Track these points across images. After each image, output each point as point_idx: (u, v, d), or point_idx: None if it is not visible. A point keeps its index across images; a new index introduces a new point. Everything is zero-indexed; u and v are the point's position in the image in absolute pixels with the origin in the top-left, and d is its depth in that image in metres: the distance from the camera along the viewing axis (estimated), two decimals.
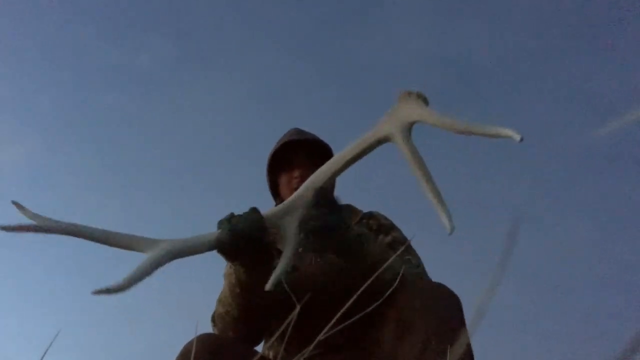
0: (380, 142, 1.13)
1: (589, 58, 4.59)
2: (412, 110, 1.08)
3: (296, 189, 1.52)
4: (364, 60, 5.17)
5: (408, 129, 1.08)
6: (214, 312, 1.38)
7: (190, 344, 1.20)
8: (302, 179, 1.51)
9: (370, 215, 1.53)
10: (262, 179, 1.67)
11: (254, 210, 1.14)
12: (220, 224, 1.13)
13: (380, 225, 1.48)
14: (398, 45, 5.10)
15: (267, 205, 1.21)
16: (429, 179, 1.03)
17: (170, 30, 4.99)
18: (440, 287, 1.17)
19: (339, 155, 1.20)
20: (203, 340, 1.19)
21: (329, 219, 1.12)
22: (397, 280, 1.14)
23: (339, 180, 1.65)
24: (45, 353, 0.76)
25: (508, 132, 0.94)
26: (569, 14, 4.65)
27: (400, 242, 1.42)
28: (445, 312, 1.09)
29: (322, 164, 1.56)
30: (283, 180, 1.57)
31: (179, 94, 4.92)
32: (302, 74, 5.17)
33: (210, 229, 1.16)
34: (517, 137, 0.93)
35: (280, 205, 1.18)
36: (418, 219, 1.56)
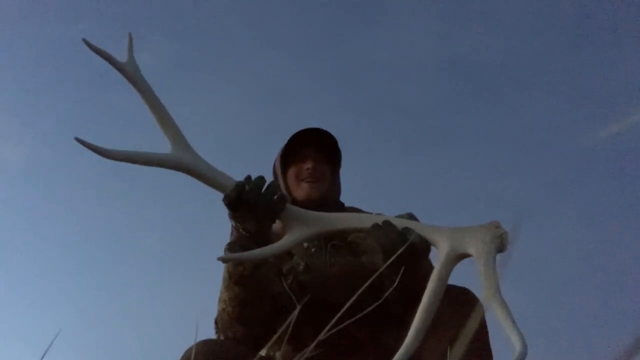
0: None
1: (589, 58, 4.59)
2: (476, 243, 1.00)
3: (305, 179, 1.53)
4: (367, 62, 5.17)
5: (455, 257, 1.02)
6: (217, 314, 1.38)
7: (190, 349, 1.20)
8: (314, 170, 1.52)
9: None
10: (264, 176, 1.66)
11: (283, 196, 1.16)
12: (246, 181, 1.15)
13: None
14: (401, 47, 5.10)
15: None
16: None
17: (173, 29, 4.99)
18: (465, 291, 1.19)
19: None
20: (204, 345, 1.19)
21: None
22: (397, 280, 1.14)
23: (344, 183, 1.67)
24: (45, 353, 0.75)
25: (517, 342, 0.85)
26: (570, 14, 4.65)
27: None
28: (469, 315, 1.10)
29: (333, 157, 1.58)
30: (292, 172, 1.56)
31: (181, 93, 4.92)
32: (305, 75, 5.17)
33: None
34: (518, 350, 0.83)
35: (305, 211, 1.18)
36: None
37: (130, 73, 1.15)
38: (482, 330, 1.15)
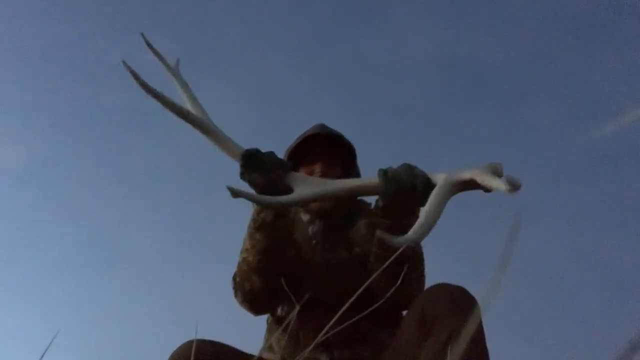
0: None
1: (589, 58, 4.59)
2: (472, 170, 1.05)
3: None
4: (367, 62, 5.17)
5: (452, 182, 1.05)
6: (236, 269, 1.43)
7: (179, 348, 1.21)
8: (322, 174, 1.51)
9: None
10: None
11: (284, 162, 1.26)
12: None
13: None
14: (401, 46, 5.10)
15: None
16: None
17: (174, 29, 4.99)
18: (461, 290, 1.18)
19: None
20: (189, 346, 1.21)
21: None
22: (400, 278, 1.16)
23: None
24: (44, 353, 0.75)
25: (501, 184, 0.95)
26: (570, 15, 4.65)
27: None
28: (466, 315, 1.10)
29: (344, 161, 1.57)
30: (302, 172, 1.53)
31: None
32: (305, 75, 5.17)
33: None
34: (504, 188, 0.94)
35: (310, 177, 1.30)
36: None
37: (175, 73, 1.44)
38: (479, 331, 1.14)
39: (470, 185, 1.05)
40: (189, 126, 1.28)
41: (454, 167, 1.09)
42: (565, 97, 4.64)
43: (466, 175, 1.05)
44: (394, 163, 1.16)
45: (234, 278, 1.42)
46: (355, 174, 1.60)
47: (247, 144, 1.27)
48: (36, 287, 4.51)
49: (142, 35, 1.40)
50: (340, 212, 1.52)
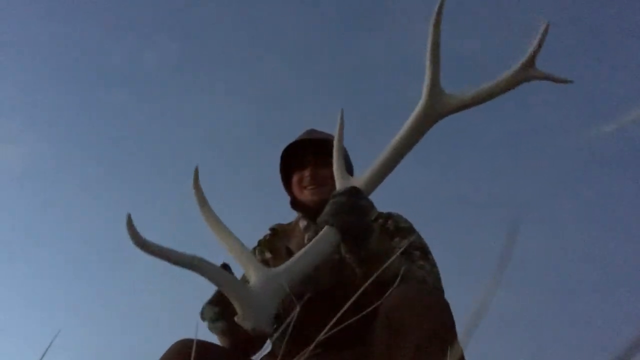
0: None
1: (589, 58, 4.59)
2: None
3: (305, 187, 1.56)
4: (367, 64, 5.17)
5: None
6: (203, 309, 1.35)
7: (170, 349, 1.22)
8: (312, 177, 1.55)
9: (389, 216, 1.52)
10: (263, 180, 1.67)
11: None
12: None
13: (397, 228, 1.48)
14: (401, 47, 5.10)
15: (272, 204, 1.23)
16: None
17: (175, 30, 4.99)
18: (430, 293, 1.16)
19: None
20: (184, 346, 1.21)
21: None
22: (397, 280, 1.13)
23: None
24: (44, 353, 0.75)
25: None
26: (570, 14, 4.65)
27: (416, 247, 1.40)
28: (436, 318, 1.06)
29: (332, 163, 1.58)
30: (295, 178, 1.59)
31: (183, 93, 4.92)
32: (305, 77, 5.17)
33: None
34: None
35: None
36: (418, 221, 1.56)
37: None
38: (450, 335, 1.09)
39: None
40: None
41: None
42: (566, 97, 4.64)
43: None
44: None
45: (202, 314, 1.36)
46: (348, 173, 1.61)
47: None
48: (36, 287, 4.52)
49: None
50: None
